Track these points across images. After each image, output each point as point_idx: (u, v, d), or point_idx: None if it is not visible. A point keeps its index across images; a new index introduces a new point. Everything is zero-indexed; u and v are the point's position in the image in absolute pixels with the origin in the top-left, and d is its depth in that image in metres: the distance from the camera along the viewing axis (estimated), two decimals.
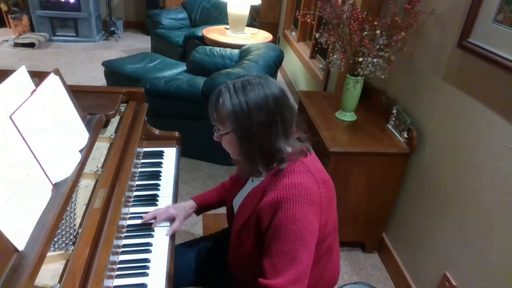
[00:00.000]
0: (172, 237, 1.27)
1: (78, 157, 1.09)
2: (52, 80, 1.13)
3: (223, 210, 1.39)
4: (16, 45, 4.99)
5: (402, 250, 2.00)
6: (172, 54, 4.12)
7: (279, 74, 4.27)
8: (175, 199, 1.45)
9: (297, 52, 4.12)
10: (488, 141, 1.42)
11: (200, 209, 1.40)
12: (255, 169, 1.02)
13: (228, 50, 3.10)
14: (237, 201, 1.18)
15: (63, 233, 0.97)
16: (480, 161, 1.45)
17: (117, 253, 1.11)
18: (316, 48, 3.68)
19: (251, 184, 1.14)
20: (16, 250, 0.77)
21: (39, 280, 0.83)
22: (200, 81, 2.65)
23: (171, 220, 1.31)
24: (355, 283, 1.80)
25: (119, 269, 1.09)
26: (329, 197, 1.03)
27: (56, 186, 0.97)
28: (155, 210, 1.30)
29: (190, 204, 1.37)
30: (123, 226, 1.20)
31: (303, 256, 0.94)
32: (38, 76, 1.10)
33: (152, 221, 1.28)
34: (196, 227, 2.24)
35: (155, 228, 1.27)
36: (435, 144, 1.73)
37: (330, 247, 1.12)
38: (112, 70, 3.39)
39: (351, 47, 1.87)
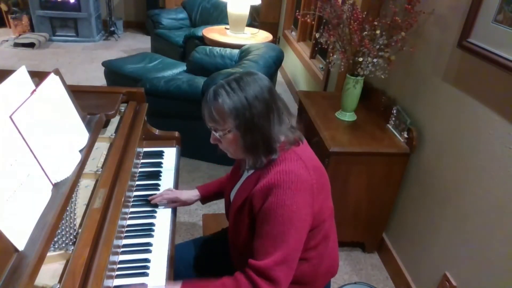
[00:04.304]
0: (172, 237, 1.27)
1: (78, 157, 1.09)
2: (52, 80, 1.13)
3: (223, 209, 1.39)
4: (16, 45, 4.99)
5: (402, 250, 2.00)
6: (172, 54, 4.11)
7: (279, 74, 4.26)
8: None
9: (297, 52, 4.12)
10: (488, 141, 1.42)
11: (204, 199, 1.46)
12: (259, 160, 1.05)
13: (228, 50, 3.10)
14: (233, 193, 1.21)
15: (63, 233, 0.97)
16: (480, 161, 1.45)
17: (117, 253, 1.11)
18: (316, 48, 3.68)
19: (246, 174, 1.17)
20: (16, 250, 0.77)
21: (39, 280, 0.83)
22: (200, 81, 2.65)
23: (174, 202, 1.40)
24: (355, 283, 1.81)
25: (119, 269, 1.09)
26: (321, 183, 1.07)
27: (56, 186, 0.97)
28: (163, 192, 1.40)
29: (195, 193, 1.44)
30: (123, 226, 1.20)
31: (291, 240, 0.98)
32: (38, 76, 1.10)
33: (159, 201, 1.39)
34: (196, 227, 2.24)
35: (155, 228, 1.27)
36: (435, 144, 1.73)
37: (327, 234, 1.15)
38: (112, 70, 3.39)
39: (351, 47, 1.87)
